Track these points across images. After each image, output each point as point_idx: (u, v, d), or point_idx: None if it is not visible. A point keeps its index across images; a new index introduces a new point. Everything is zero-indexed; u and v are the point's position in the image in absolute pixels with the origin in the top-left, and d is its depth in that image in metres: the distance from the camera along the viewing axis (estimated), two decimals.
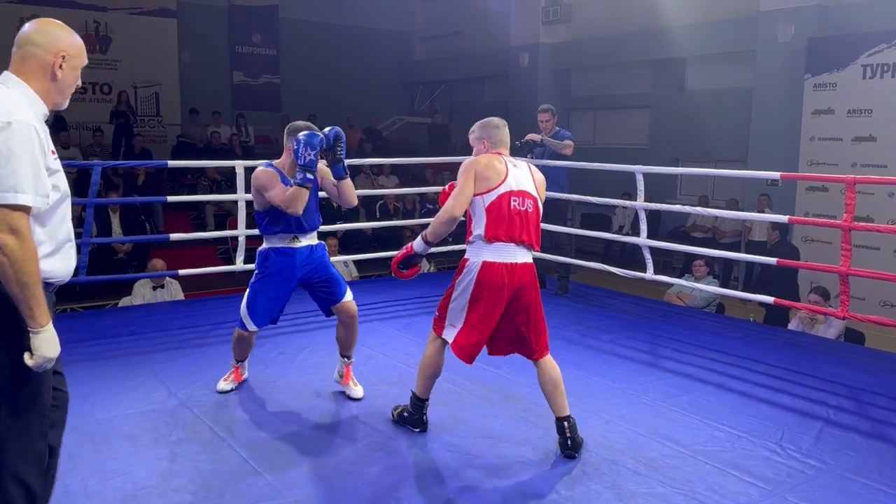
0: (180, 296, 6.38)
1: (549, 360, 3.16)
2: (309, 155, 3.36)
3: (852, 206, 4.27)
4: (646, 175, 5.57)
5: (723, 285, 9.85)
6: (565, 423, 3.11)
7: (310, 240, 3.68)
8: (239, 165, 5.50)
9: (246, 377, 3.93)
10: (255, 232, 3.93)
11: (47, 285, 1.97)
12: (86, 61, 2.17)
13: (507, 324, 3.14)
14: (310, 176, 3.39)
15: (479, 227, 3.06)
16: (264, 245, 3.65)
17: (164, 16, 13.95)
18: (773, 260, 5.07)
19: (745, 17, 10.31)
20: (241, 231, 5.51)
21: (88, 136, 11.95)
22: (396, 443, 3.21)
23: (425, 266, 7.67)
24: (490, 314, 3.08)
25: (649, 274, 5.44)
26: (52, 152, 1.99)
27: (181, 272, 5.68)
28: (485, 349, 3.21)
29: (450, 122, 15.42)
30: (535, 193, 3.13)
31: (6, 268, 1.83)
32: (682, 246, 6.18)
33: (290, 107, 14.74)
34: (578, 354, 4.58)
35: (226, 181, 10.03)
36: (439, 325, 3.21)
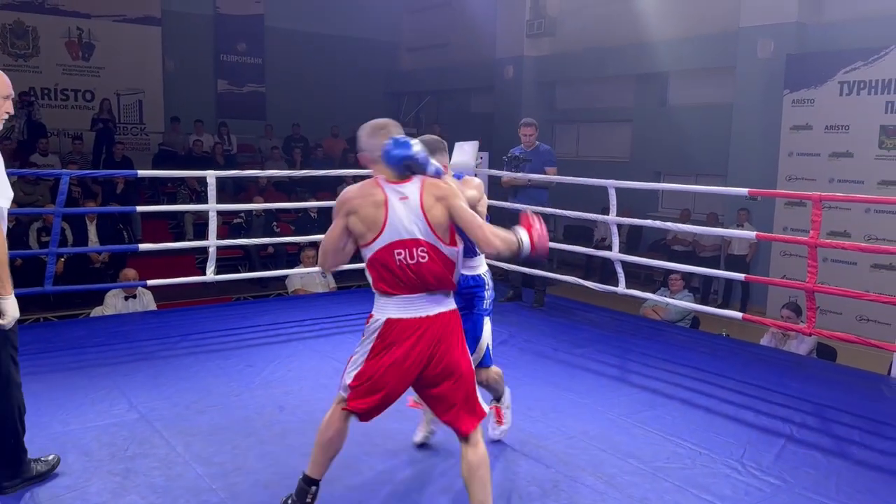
0: (152, 306, 6.34)
1: (475, 439, 2.53)
2: None
3: (818, 223, 4.29)
4: (627, 188, 5.61)
5: (702, 299, 9.93)
6: None
7: None
8: (211, 175, 5.47)
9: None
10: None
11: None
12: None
13: (428, 387, 2.58)
14: None
15: (371, 279, 2.55)
16: (484, 268, 3.26)
17: (149, 23, 13.90)
18: (741, 276, 5.09)
19: (725, 33, 10.39)
20: (213, 242, 5.48)
21: (68, 144, 11.88)
22: (357, 460, 3.18)
23: None
24: (397, 373, 2.51)
25: (621, 288, 5.45)
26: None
27: (150, 282, 5.64)
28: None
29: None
30: (425, 236, 2.46)
31: None
32: (653, 261, 6.22)
33: (275, 116, 14.73)
34: (549, 369, 4.58)
35: (206, 190, 9.99)
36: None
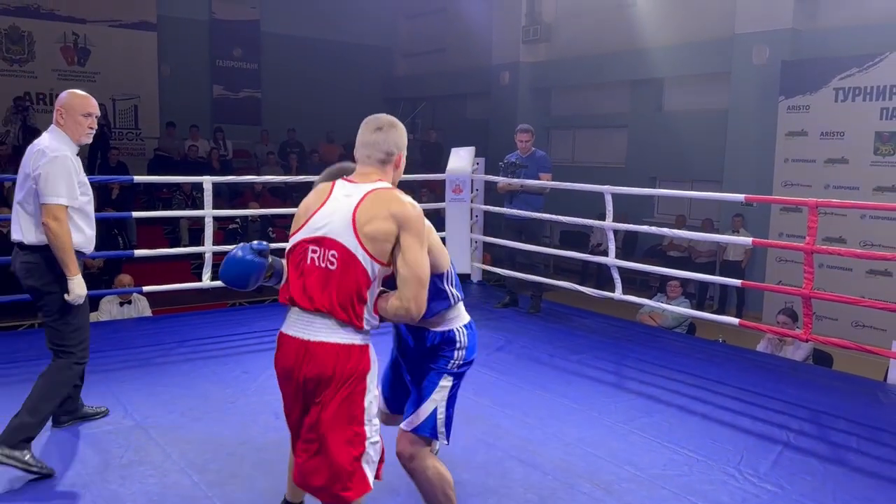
0: (147, 312, 6.32)
1: None
2: None
3: (814, 230, 4.29)
4: (623, 194, 5.62)
5: (698, 305, 9.93)
6: None
7: None
8: (207, 181, 5.46)
9: None
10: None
11: (80, 254, 3.21)
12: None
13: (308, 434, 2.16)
14: None
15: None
16: (461, 321, 2.52)
17: (144, 29, 13.89)
18: (737, 282, 5.09)
19: (721, 40, 10.44)
20: (208, 247, 5.47)
21: None
22: None
23: None
24: (287, 411, 2.24)
25: (618, 294, 5.45)
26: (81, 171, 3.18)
27: (146, 289, 5.62)
28: None
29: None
30: (347, 241, 2.10)
31: (51, 240, 3.06)
32: (649, 266, 6.20)
33: (271, 121, 14.73)
34: (545, 375, 4.56)
35: (201, 195, 9.98)
36: None
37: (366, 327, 2.15)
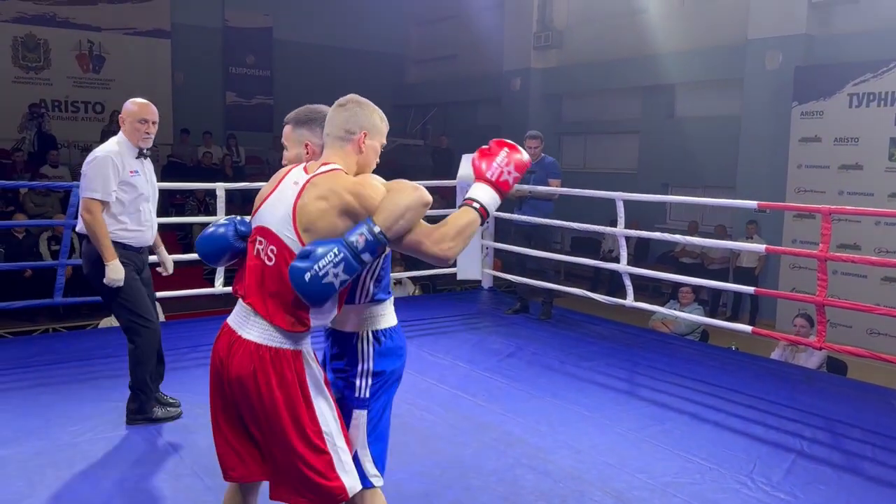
0: (160, 317, 6.33)
1: None
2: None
3: (828, 237, 4.26)
4: (635, 200, 5.61)
5: (711, 312, 9.89)
6: None
7: None
8: (220, 188, 5.49)
9: None
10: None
11: (125, 246, 3.52)
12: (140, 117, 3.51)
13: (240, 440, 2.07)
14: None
15: None
16: (387, 323, 2.13)
17: (158, 36, 14.04)
18: (750, 289, 5.06)
19: (733, 46, 10.40)
20: None
21: (78, 155, 11.97)
22: None
23: (410, 289, 7.65)
24: (212, 409, 2.11)
25: (629, 300, 5.43)
26: (130, 171, 3.48)
27: (158, 294, 5.62)
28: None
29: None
30: (285, 236, 1.89)
31: (87, 230, 3.44)
32: (661, 273, 6.19)
33: (282, 127, 14.78)
34: (556, 382, 4.55)
35: (214, 202, 10.05)
36: None
37: (301, 330, 1.92)
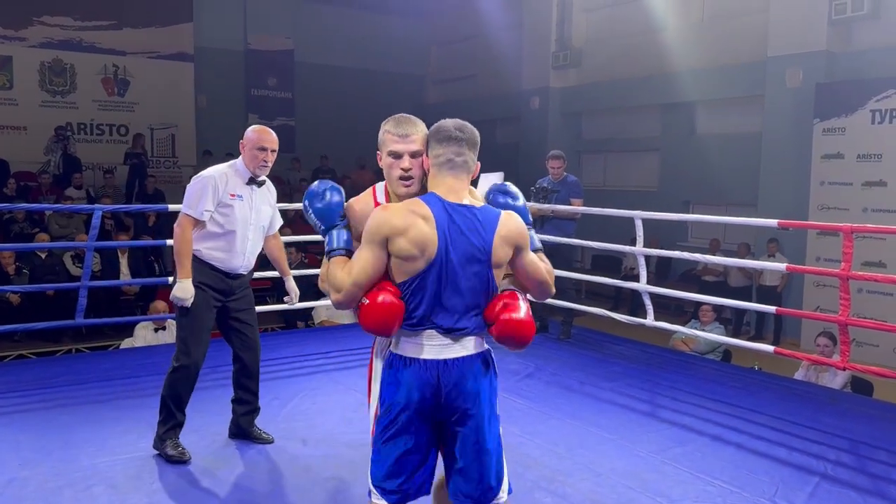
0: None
1: None
2: None
3: (850, 255, 4.20)
4: (655, 218, 5.58)
5: (735, 330, 9.77)
6: None
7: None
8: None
9: None
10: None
11: (213, 267, 3.51)
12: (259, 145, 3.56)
13: None
14: None
15: None
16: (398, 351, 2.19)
17: (182, 59, 14.23)
18: (772, 308, 5.00)
19: (753, 63, 10.35)
20: None
21: (101, 178, 12.15)
22: None
23: None
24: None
25: (649, 320, 5.38)
26: (231, 195, 3.47)
27: None
28: None
29: None
30: None
31: (174, 243, 3.47)
32: (682, 292, 6.13)
33: (304, 148, 14.93)
34: (575, 403, 4.51)
35: None
36: None
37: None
